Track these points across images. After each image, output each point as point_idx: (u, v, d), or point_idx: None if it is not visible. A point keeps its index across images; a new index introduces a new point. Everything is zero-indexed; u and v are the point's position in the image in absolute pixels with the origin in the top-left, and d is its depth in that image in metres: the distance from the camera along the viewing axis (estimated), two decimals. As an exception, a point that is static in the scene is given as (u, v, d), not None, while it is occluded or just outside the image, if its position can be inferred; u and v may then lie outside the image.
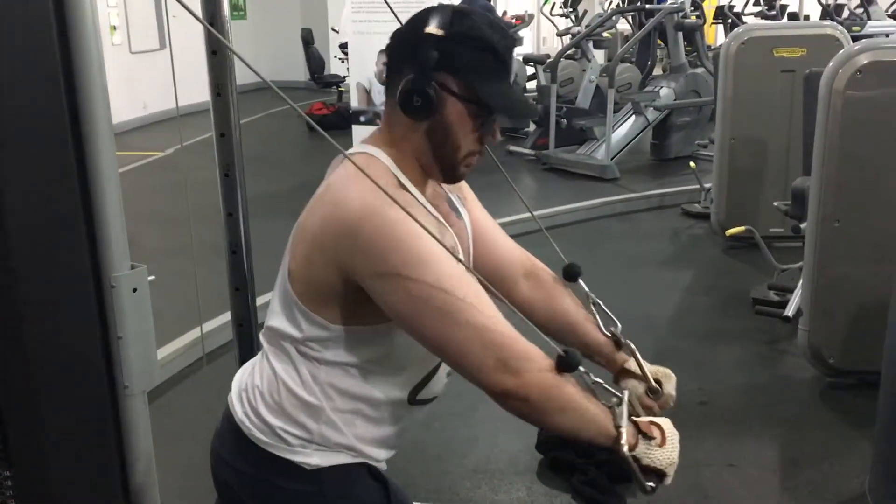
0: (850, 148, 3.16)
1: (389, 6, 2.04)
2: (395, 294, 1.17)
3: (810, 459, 2.91)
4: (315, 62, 10.46)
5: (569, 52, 9.06)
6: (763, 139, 5.04)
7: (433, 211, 1.31)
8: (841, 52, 3.21)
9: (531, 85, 9.77)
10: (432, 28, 1.22)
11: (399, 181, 1.26)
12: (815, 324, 3.31)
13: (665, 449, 1.24)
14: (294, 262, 1.28)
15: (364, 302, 1.22)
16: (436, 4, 1.29)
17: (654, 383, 1.53)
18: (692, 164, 5.94)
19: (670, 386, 1.56)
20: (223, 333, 3.41)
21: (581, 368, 1.21)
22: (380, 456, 1.38)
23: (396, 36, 1.28)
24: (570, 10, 11.16)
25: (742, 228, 4.36)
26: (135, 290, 1.88)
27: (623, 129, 7.25)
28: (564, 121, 7.72)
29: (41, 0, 1.58)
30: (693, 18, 7.61)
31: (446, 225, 1.33)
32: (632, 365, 1.52)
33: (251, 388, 1.35)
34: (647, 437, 1.23)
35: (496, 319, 1.18)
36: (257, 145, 8.47)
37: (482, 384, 1.18)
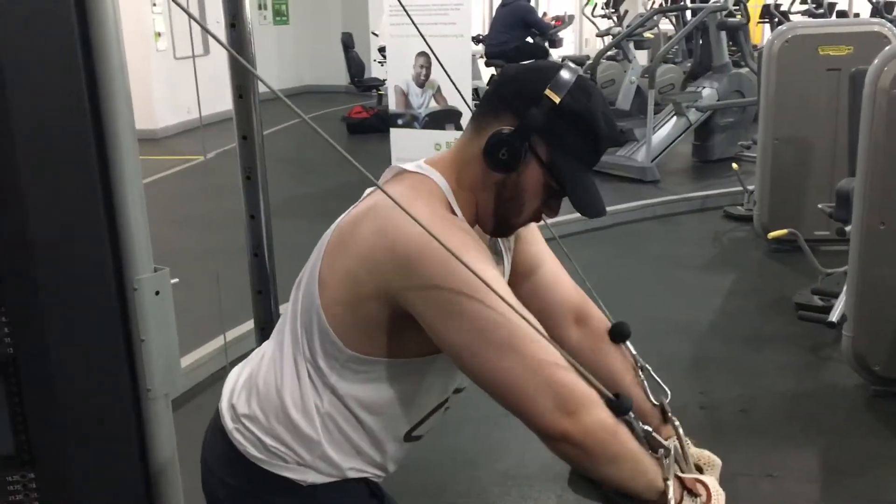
0: (897, 147, 3.05)
1: (409, 15, 2.02)
2: (456, 323, 1.10)
3: (853, 469, 2.81)
4: (355, 66, 10.50)
5: (611, 53, 8.98)
6: (807, 140, 4.91)
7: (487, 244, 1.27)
8: (887, 48, 3.10)
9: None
10: (550, 91, 1.18)
11: (451, 207, 1.22)
12: (860, 330, 3.20)
13: None
14: (330, 272, 1.21)
15: (399, 333, 1.16)
16: (562, 63, 1.25)
17: (693, 469, 1.37)
18: (735, 165, 5.82)
19: (713, 474, 1.40)
20: (250, 339, 3.41)
21: (632, 414, 1.15)
22: (375, 479, 1.33)
23: (508, 78, 1.24)
24: (612, 10, 11.06)
25: (785, 231, 4.24)
26: (157, 293, 1.87)
27: (664, 131, 7.13)
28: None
29: (63, 2, 1.59)
30: (738, 17, 7.47)
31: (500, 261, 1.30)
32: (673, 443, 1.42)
33: (251, 400, 1.29)
34: (693, 495, 1.18)
35: (557, 357, 1.11)
36: (295, 148, 8.53)
37: (538, 425, 1.11)
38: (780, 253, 4.96)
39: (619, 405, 1.13)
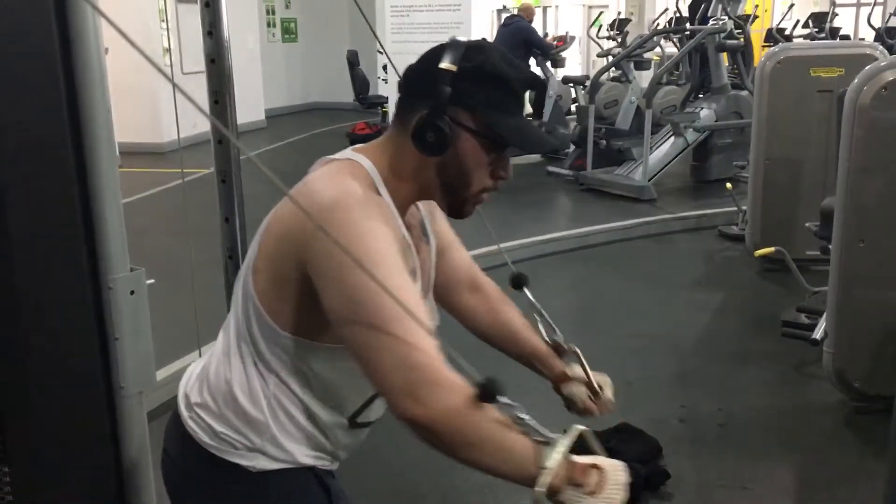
0: (875, 166, 3.09)
1: (385, 51, 2.07)
2: (336, 290, 1.13)
3: (829, 484, 2.83)
4: (360, 83, 10.59)
5: (615, 74, 9.04)
6: (799, 160, 4.95)
7: (405, 231, 1.29)
8: (867, 67, 3.15)
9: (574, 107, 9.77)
10: (445, 63, 1.21)
11: (376, 188, 1.25)
12: (841, 346, 3.23)
13: (597, 499, 1.10)
14: (260, 258, 1.25)
15: (317, 311, 1.18)
16: (449, 41, 1.27)
17: (596, 386, 1.51)
18: (729, 185, 5.86)
19: (609, 392, 1.53)
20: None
21: (507, 400, 1.10)
22: (325, 467, 1.36)
23: (409, 72, 1.28)
24: (617, 32, 11.13)
25: (772, 249, 4.27)
26: (132, 293, 1.93)
27: (662, 151, 7.19)
28: (604, 142, 7.69)
29: (43, 12, 1.66)
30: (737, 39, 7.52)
31: (413, 249, 1.31)
32: (573, 371, 1.51)
33: (202, 389, 1.34)
34: (577, 485, 1.10)
35: (422, 341, 1.09)
36: (300, 163, 8.59)
37: (390, 406, 1.11)
38: (771, 272, 4.99)
39: (486, 389, 1.08)
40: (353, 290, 1.10)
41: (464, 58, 1.21)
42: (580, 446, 1.16)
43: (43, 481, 1.91)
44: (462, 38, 1.28)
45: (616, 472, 1.14)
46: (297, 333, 1.24)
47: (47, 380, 1.86)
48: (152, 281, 2.00)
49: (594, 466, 1.13)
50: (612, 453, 2.84)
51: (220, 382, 1.30)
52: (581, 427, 1.17)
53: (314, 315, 1.19)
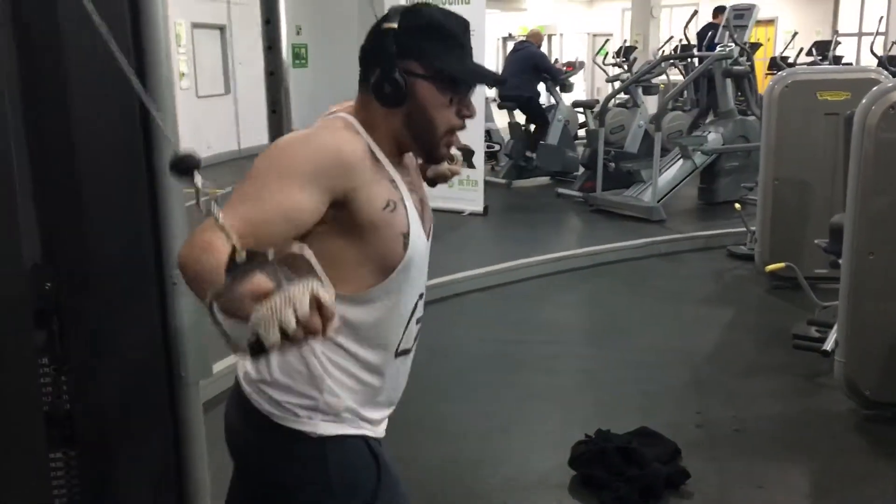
0: (884, 182, 3.23)
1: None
2: (241, 186, 1.28)
3: (840, 486, 2.94)
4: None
5: (622, 100, 9.23)
6: (807, 181, 5.09)
7: (397, 178, 1.40)
8: (874, 88, 3.30)
9: (581, 132, 9.93)
10: (388, 25, 1.35)
11: (370, 149, 1.38)
12: (851, 355, 3.34)
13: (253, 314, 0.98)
14: None
15: (338, 263, 1.32)
16: (389, 11, 1.42)
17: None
18: (737, 206, 6.00)
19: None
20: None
21: (198, 176, 1.15)
22: (376, 416, 1.48)
23: (362, 49, 1.43)
24: (623, 59, 11.35)
25: (782, 265, 4.40)
26: (193, 288, 2.07)
27: (670, 173, 7.34)
28: (612, 164, 7.85)
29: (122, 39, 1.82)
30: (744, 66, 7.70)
31: (404, 192, 1.41)
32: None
33: (259, 365, 1.45)
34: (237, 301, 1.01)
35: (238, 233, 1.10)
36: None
37: None
38: (781, 290, 5.11)
39: (180, 162, 1.17)
40: (249, 187, 1.29)
41: (402, 17, 1.36)
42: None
43: (106, 464, 2.04)
44: (396, 6, 1.43)
45: (288, 290, 0.99)
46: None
47: (114, 369, 2.00)
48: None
49: (294, 270, 1.08)
50: (633, 454, 2.95)
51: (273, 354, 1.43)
52: (297, 245, 1.19)
53: (337, 268, 1.31)
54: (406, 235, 1.38)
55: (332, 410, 1.42)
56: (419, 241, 1.42)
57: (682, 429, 3.28)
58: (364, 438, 1.47)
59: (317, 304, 1.00)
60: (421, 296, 1.51)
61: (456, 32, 1.39)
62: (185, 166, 1.16)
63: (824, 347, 3.80)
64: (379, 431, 1.52)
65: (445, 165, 1.60)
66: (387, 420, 1.56)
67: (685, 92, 8.93)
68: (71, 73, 1.83)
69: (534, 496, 2.87)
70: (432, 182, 1.67)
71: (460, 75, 1.39)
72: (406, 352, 1.51)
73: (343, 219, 1.32)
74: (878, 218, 3.26)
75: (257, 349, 0.99)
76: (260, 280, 1.00)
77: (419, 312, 1.51)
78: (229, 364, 3.57)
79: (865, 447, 3.21)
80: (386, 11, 1.41)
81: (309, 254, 1.14)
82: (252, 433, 1.48)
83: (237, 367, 1.55)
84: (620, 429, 3.15)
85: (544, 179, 8.99)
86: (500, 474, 3.02)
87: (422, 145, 1.42)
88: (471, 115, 1.43)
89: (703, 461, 3.04)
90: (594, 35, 19.76)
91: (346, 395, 1.42)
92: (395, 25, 1.35)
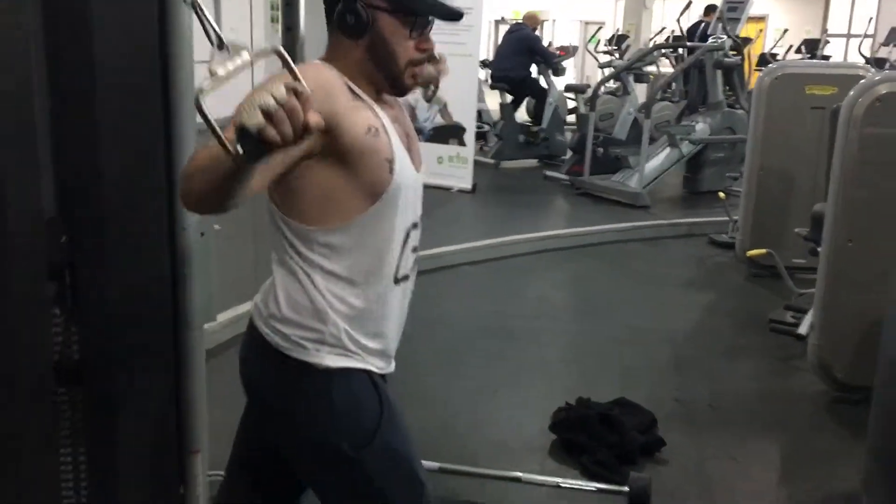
0: (866, 173, 3.35)
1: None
2: None
3: (809, 460, 3.08)
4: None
5: (611, 88, 9.32)
6: (791, 172, 5.21)
7: (377, 109, 1.48)
8: (862, 81, 3.41)
9: (571, 118, 10.04)
10: None
11: (346, 83, 1.46)
12: (825, 339, 3.47)
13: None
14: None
15: (322, 196, 1.42)
16: None
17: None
18: (721, 195, 6.12)
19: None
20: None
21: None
22: (380, 347, 1.57)
23: None
24: (615, 47, 11.43)
25: (763, 251, 4.53)
26: (202, 234, 2.15)
27: (657, 160, 7.44)
28: (601, 149, 7.95)
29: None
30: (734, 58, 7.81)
31: (386, 121, 1.48)
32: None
33: (269, 301, 1.55)
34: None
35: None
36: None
37: None
38: (759, 277, 5.25)
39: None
40: None
41: None
42: None
43: (111, 401, 2.12)
44: None
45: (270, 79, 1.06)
46: (317, 223, 1.45)
47: (123, 317, 2.07)
48: (218, 227, 2.23)
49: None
50: (613, 421, 3.06)
51: (281, 291, 1.52)
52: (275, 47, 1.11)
53: (331, 200, 1.43)
54: (391, 161, 1.46)
55: (337, 343, 1.50)
56: (406, 170, 1.50)
57: (661, 402, 3.39)
58: (368, 373, 1.55)
59: (294, 92, 1.02)
60: (415, 225, 1.59)
61: None
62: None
63: (799, 331, 3.94)
64: (385, 368, 1.61)
65: (429, 67, 1.59)
66: (394, 362, 1.65)
67: (674, 83, 9.05)
68: (96, 33, 1.90)
69: (517, 458, 2.96)
70: (426, 92, 1.70)
71: (418, 7, 1.46)
72: (405, 278, 1.59)
73: (330, 147, 1.39)
74: (859, 206, 3.38)
75: (248, 142, 1.02)
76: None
77: (413, 241, 1.59)
78: (231, 316, 3.65)
79: (834, 427, 3.35)
80: None
81: (283, 52, 1.08)
82: (264, 365, 1.57)
83: (252, 306, 1.63)
84: (601, 399, 3.26)
85: (532, 161, 9.08)
86: (487, 439, 3.12)
87: (385, 76, 1.50)
88: (429, 49, 1.50)
89: (679, 433, 3.16)
90: (586, 22, 19.82)
91: (348, 325, 1.50)
92: None
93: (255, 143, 1.02)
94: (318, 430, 1.53)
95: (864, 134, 3.34)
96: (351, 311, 1.51)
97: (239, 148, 1.03)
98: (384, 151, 1.45)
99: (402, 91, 1.54)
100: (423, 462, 2.30)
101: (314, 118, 1.05)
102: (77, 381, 2.10)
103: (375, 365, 1.58)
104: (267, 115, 1.00)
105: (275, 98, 1.01)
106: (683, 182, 7.99)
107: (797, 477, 3.03)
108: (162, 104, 2.04)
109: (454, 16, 1.49)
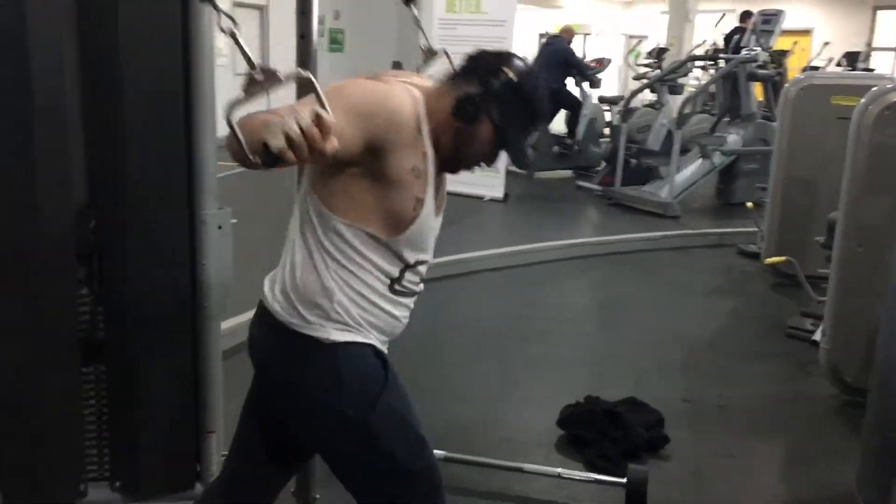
0: (877, 180, 3.40)
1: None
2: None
3: (811, 460, 3.13)
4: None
5: (652, 100, 9.37)
6: (816, 183, 5.22)
7: (430, 155, 1.61)
8: (874, 88, 3.46)
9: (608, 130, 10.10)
10: (509, 69, 1.59)
11: (419, 122, 1.59)
12: (836, 343, 3.51)
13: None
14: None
15: (358, 195, 1.55)
16: (515, 54, 1.67)
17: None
18: (750, 204, 6.14)
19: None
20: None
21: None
22: (379, 326, 1.68)
23: (482, 55, 1.65)
24: (654, 60, 11.46)
25: (783, 258, 4.57)
26: (220, 227, 2.31)
27: (688, 171, 7.49)
28: (634, 160, 8.02)
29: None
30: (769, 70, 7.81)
31: (430, 169, 1.62)
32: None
33: (279, 279, 1.68)
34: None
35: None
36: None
37: None
38: (783, 286, 5.27)
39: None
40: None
41: (521, 74, 1.61)
42: None
43: (133, 382, 2.29)
44: (526, 59, 1.67)
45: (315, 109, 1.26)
46: (338, 213, 1.58)
47: (145, 295, 2.24)
48: (235, 221, 2.39)
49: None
50: (619, 418, 3.15)
51: (294, 269, 1.65)
52: (303, 72, 1.37)
53: (357, 205, 1.56)
54: (421, 201, 1.61)
55: (341, 319, 1.63)
56: (429, 215, 1.64)
57: (669, 402, 3.47)
58: (370, 345, 1.68)
59: (317, 118, 1.24)
60: (422, 262, 1.72)
61: (539, 119, 1.68)
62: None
63: (814, 337, 3.97)
64: (384, 346, 1.73)
65: None
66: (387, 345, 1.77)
67: (715, 96, 9.06)
68: (122, 28, 2.08)
69: (524, 451, 3.06)
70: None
71: (511, 148, 1.68)
72: (403, 293, 1.70)
73: (374, 168, 1.54)
74: (869, 213, 3.43)
75: (268, 157, 1.23)
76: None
77: (419, 271, 1.72)
78: (245, 320, 3.80)
79: (840, 429, 3.39)
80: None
81: (312, 77, 1.33)
82: (273, 340, 1.70)
83: (263, 285, 1.76)
84: (610, 398, 3.35)
85: (566, 172, 9.18)
86: (496, 433, 3.23)
87: (451, 156, 1.66)
88: (489, 166, 1.72)
89: (685, 431, 3.24)
90: (630, 36, 19.80)
91: (352, 308, 1.63)
92: (512, 77, 1.59)
93: (273, 159, 1.24)
94: (324, 400, 1.65)
95: (874, 141, 3.39)
96: (355, 295, 1.63)
97: (259, 158, 1.26)
98: (418, 191, 1.60)
99: (451, 172, 1.71)
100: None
101: (330, 147, 1.26)
102: (100, 358, 2.28)
103: (378, 339, 1.70)
104: (289, 140, 1.22)
105: (300, 126, 1.22)
106: (716, 193, 8.01)
107: (797, 475, 3.08)
108: (184, 107, 2.20)
109: (523, 165, 1.76)
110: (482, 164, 1.69)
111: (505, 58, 1.63)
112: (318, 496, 2.50)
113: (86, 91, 2.11)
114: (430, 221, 1.65)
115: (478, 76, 1.60)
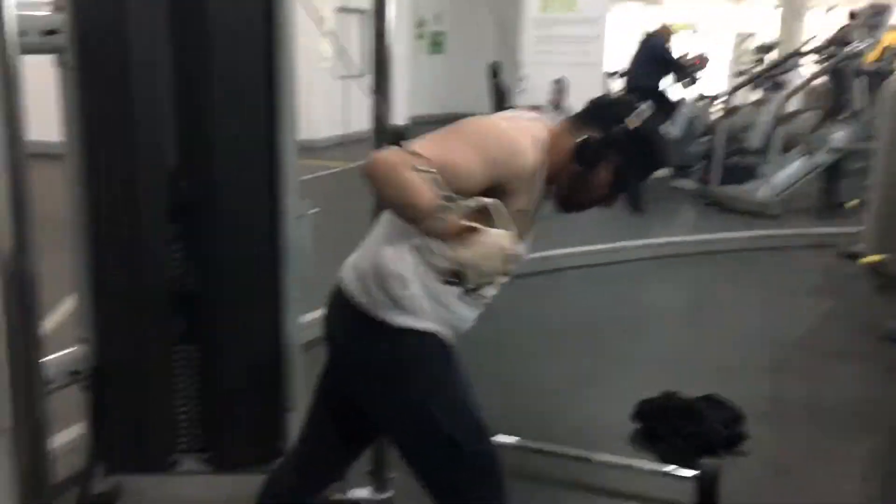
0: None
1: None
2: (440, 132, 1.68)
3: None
4: (498, 94, 11.03)
5: (757, 99, 9.12)
6: (920, 179, 5.01)
7: (536, 196, 1.72)
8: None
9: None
10: (633, 118, 1.68)
11: (538, 169, 1.68)
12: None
13: (460, 250, 1.51)
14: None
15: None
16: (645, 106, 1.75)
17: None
18: (852, 202, 5.93)
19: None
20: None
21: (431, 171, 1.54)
22: (447, 319, 1.75)
23: (608, 101, 1.79)
24: (760, 56, 11.14)
25: (879, 257, 4.41)
26: (299, 217, 2.45)
27: (791, 169, 7.27)
28: (735, 158, 7.83)
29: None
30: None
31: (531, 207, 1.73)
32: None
33: (359, 262, 1.77)
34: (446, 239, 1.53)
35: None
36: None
37: None
38: (887, 287, 5.06)
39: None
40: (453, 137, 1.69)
41: (646, 123, 1.70)
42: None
43: (220, 360, 2.45)
44: (649, 110, 1.73)
45: (498, 239, 1.53)
46: None
47: (234, 280, 2.40)
48: (317, 209, 2.52)
49: (476, 229, 1.52)
50: (695, 414, 3.14)
51: (374, 255, 1.75)
52: (489, 200, 1.56)
53: None
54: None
55: (411, 307, 1.72)
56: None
57: (752, 400, 3.40)
58: (436, 333, 1.76)
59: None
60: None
61: (658, 166, 1.80)
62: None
63: (911, 339, 3.83)
64: (450, 338, 1.79)
65: None
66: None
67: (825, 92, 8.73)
68: (211, 29, 2.24)
69: (595, 442, 3.09)
70: None
71: (629, 195, 1.76)
72: (478, 299, 1.76)
73: (491, 191, 1.63)
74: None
75: (452, 279, 1.51)
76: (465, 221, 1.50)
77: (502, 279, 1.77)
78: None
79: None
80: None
81: (502, 206, 1.54)
82: (346, 318, 1.79)
83: (346, 261, 1.86)
84: (691, 394, 3.33)
85: (663, 171, 9.03)
86: (570, 424, 3.27)
87: (567, 196, 1.77)
88: (606, 208, 1.80)
89: (766, 429, 3.19)
90: (739, 33, 19.27)
91: (424, 301, 1.71)
92: (638, 125, 1.68)
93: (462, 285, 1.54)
94: (390, 381, 1.76)
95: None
96: (430, 290, 1.71)
97: (451, 278, 1.54)
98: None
99: (563, 211, 1.81)
100: (502, 436, 2.50)
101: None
102: (190, 310, 2.41)
103: (444, 330, 1.77)
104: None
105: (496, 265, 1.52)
106: (820, 192, 7.73)
107: (881, 478, 2.99)
108: (265, 87, 2.33)
109: (639, 209, 1.77)
110: (599, 205, 1.77)
111: (626, 104, 1.72)
112: (393, 476, 2.59)
113: (176, 68, 2.24)
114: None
115: (599, 122, 1.70)
